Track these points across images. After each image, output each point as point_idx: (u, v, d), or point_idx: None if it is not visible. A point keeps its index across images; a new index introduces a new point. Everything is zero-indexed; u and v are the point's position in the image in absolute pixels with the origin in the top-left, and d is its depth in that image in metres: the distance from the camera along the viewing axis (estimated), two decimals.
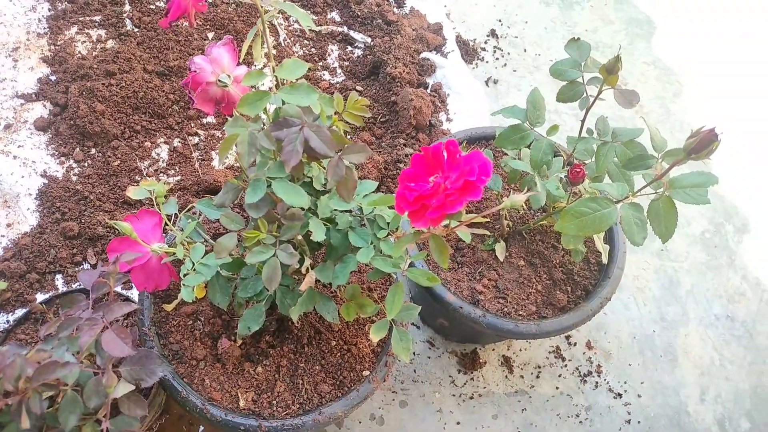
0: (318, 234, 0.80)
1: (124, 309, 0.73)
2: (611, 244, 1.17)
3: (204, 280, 0.81)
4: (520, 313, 1.10)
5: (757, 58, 2.10)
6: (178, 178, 1.48)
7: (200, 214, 0.93)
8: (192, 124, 1.58)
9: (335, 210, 0.84)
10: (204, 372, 0.93)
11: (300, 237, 0.83)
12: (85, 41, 1.68)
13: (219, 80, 0.85)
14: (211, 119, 1.61)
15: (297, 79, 0.78)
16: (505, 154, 1.10)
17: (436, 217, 0.65)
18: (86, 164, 1.45)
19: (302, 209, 0.81)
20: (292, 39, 1.81)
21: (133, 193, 0.90)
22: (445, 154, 0.68)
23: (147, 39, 1.68)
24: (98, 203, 1.39)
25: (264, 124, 0.79)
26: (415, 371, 1.36)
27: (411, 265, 0.85)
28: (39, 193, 1.40)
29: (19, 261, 1.30)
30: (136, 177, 1.46)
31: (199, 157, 1.53)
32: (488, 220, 1.15)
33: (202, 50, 1.67)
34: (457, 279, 1.13)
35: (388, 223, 0.83)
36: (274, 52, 1.75)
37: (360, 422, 1.28)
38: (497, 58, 1.94)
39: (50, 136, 1.49)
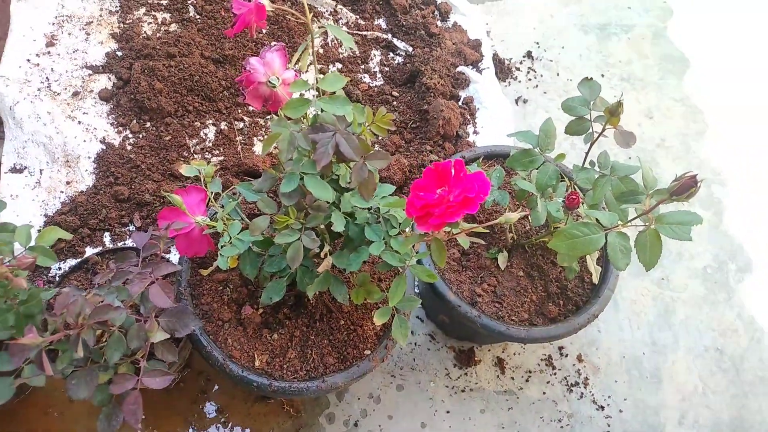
0: (338, 225, 0.92)
1: (169, 268, 0.87)
2: (605, 266, 1.27)
3: (237, 253, 0.94)
4: (513, 318, 1.21)
5: None
6: (221, 158, 1.62)
7: (239, 195, 1.07)
8: (239, 110, 1.72)
9: (355, 206, 0.97)
10: (227, 332, 1.07)
11: (323, 226, 0.96)
12: (150, 23, 1.83)
13: (269, 81, 0.97)
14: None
15: (335, 92, 0.90)
16: (518, 173, 1.20)
17: (437, 224, 0.76)
18: (141, 136, 1.60)
19: (327, 202, 0.93)
20: (339, 41, 1.94)
21: (184, 169, 1.03)
22: (453, 170, 0.80)
23: (207, 26, 1.82)
24: (148, 173, 1.54)
25: (303, 126, 0.92)
26: (414, 360, 1.48)
27: (418, 262, 0.97)
28: (97, 157, 1.55)
29: (74, 216, 1.45)
30: (184, 153, 1.61)
31: (242, 141, 1.67)
32: (488, 231, 1.26)
33: (256, 42, 1.81)
34: (460, 281, 1.24)
35: (400, 223, 0.95)
36: (321, 51, 1.89)
37: (359, 399, 1.41)
38: (530, 79, 2.04)
39: (112, 106, 1.65)
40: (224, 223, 0.96)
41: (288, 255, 0.88)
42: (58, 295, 0.85)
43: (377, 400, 1.42)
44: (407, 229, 0.95)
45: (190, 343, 1.15)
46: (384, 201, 0.95)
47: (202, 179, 1.04)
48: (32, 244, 0.91)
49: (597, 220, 0.98)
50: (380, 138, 1.70)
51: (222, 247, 0.94)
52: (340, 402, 1.40)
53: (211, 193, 1.03)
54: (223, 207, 1.02)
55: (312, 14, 1.45)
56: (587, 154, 1.08)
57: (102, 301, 0.88)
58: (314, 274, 0.99)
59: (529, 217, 1.08)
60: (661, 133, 2.01)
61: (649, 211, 0.96)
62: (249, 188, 0.99)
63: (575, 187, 1.09)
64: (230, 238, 0.94)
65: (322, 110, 0.88)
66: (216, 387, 1.36)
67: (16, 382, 0.90)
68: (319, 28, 0.90)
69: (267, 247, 1.00)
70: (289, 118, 0.91)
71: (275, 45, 1.01)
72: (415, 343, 1.50)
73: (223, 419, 1.33)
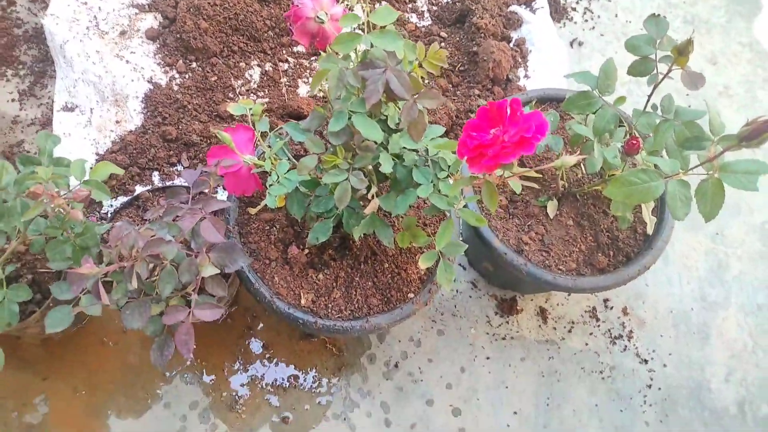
0: (386, 166, 0.90)
1: (219, 204, 0.87)
2: (660, 217, 1.22)
3: (285, 192, 0.94)
4: (560, 267, 1.19)
5: None
6: (266, 100, 1.61)
7: (287, 135, 1.06)
8: (284, 51, 1.70)
9: (403, 148, 0.94)
10: (274, 271, 1.08)
11: (370, 167, 0.94)
12: None
13: (317, 17, 0.94)
14: (300, 48, 1.71)
15: (386, 26, 0.87)
16: (572, 117, 1.15)
17: (490, 165, 0.74)
18: (187, 76, 1.60)
19: (375, 143, 0.91)
20: None
21: (232, 108, 1.03)
22: (508, 110, 0.76)
23: None
24: (194, 113, 1.55)
25: (352, 63, 0.89)
26: (455, 306, 1.48)
27: (464, 206, 0.95)
28: (145, 97, 1.56)
29: (124, 155, 1.48)
30: (229, 94, 1.60)
31: (287, 83, 1.65)
32: (541, 175, 1.22)
33: None
34: (506, 228, 1.22)
35: (449, 166, 0.93)
36: None
37: (399, 341, 1.42)
38: (586, 20, 1.94)
39: (158, 46, 1.65)
40: (272, 163, 0.95)
41: (336, 195, 0.87)
42: (112, 229, 0.87)
43: (417, 343, 1.43)
44: (456, 173, 0.93)
45: (238, 280, 1.18)
46: (433, 143, 0.93)
47: (249, 119, 1.03)
48: (86, 178, 0.93)
49: (656, 166, 0.94)
50: (426, 81, 1.66)
51: (270, 185, 0.94)
52: (381, 343, 1.42)
53: (259, 132, 1.02)
54: (270, 146, 1.01)
55: None
56: (650, 96, 1.02)
57: (154, 236, 0.89)
58: (360, 215, 0.98)
59: (584, 163, 1.03)
60: (725, 81, 1.89)
61: (714, 159, 0.90)
62: (296, 128, 0.98)
63: (635, 132, 1.03)
64: (278, 177, 0.94)
65: (372, 46, 0.85)
66: (261, 324, 1.40)
67: (74, 310, 0.94)
68: None
69: (314, 187, 1.00)
70: (338, 54, 0.88)
71: None
72: (457, 290, 1.50)
73: (268, 355, 1.37)
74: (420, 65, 0.88)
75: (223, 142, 0.96)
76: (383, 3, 1.81)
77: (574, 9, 1.95)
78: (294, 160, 1.02)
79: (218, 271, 0.91)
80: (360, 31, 0.87)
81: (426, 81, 1.53)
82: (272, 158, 0.97)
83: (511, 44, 1.75)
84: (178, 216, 0.90)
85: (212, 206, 0.86)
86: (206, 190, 0.92)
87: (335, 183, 0.88)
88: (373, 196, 0.95)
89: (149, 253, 0.84)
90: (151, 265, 0.86)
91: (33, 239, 1.06)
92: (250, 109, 1.03)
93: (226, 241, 0.88)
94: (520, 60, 1.73)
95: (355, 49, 0.89)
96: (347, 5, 0.93)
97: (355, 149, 0.91)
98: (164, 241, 0.84)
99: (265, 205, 0.96)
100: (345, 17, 0.87)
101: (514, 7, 1.79)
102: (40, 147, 0.98)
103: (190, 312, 0.87)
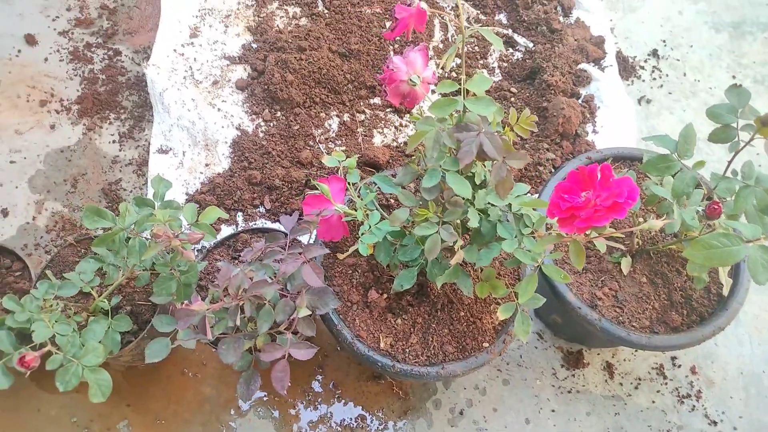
0: (473, 221, 0.96)
1: (319, 251, 0.94)
2: (735, 279, 1.23)
3: (375, 241, 1.00)
4: (634, 324, 1.20)
5: None
6: (343, 148, 1.70)
7: (375, 186, 1.13)
8: (361, 103, 1.80)
9: (489, 203, 1.00)
10: (355, 314, 1.14)
11: (458, 221, 1.00)
12: (282, 16, 1.94)
13: (410, 79, 1.02)
14: (377, 101, 1.81)
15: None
16: (648, 177, 1.18)
17: (583, 227, 0.78)
18: (272, 124, 1.72)
19: (463, 199, 0.97)
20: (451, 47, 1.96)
21: (326, 160, 1.11)
22: (598, 174, 0.81)
23: (334, 21, 1.91)
24: (278, 159, 1.65)
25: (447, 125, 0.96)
26: (521, 356, 1.50)
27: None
28: (233, 143, 1.68)
29: (212, 196, 1.59)
30: (309, 142, 1.70)
31: (363, 133, 1.75)
32: (623, 236, 1.25)
33: (379, 37, 1.87)
34: (580, 283, 1.24)
35: (533, 223, 0.98)
36: (441, 46, 1.92)
37: (465, 389, 1.45)
38: (654, 78, 1.97)
39: (246, 95, 1.77)
40: (364, 213, 1.02)
41: (426, 246, 0.93)
42: (221, 269, 0.95)
43: (483, 392, 1.45)
44: (540, 229, 0.97)
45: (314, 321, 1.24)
46: (519, 200, 0.98)
47: (340, 170, 1.11)
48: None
49: (737, 231, 0.96)
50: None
51: (362, 234, 1.00)
52: (447, 390, 1.45)
53: (350, 183, 1.10)
54: (360, 197, 1.09)
55: (434, 9, 1.49)
56: (729, 162, 1.05)
57: (258, 277, 0.97)
58: (444, 265, 1.03)
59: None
60: None
61: None
62: (387, 181, 1.05)
63: (715, 196, 1.06)
64: (369, 226, 1.00)
65: (465, 109, 0.92)
66: (330, 364, 1.45)
67: (174, 343, 1.02)
68: (468, 30, 0.94)
69: (400, 237, 1.06)
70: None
71: (418, 46, 1.06)
72: (523, 342, 1.52)
73: (337, 394, 1.42)
74: (511, 129, 0.94)
75: (316, 192, 1.04)
76: (456, 60, 1.90)
77: (642, 67, 1.99)
78: (379, 209, 1.09)
79: (310, 313, 0.98)
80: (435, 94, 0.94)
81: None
82: (364, 208, 1.03)
83: (580, 101, 1.80)
84: (278, 259, 0.97)
85: (313, 252, 0.93)
86: (302, 237, 1.00)
87: (426, 235, 0.93)
88: (460, 248, 1.00)
89: (254, 293, 0.91)
90: (254, 304, 0.93)
91: (139, 274, 1.16)
92: (342, 161, 1.11)
93: (321, 286, 0.95)
94: (588, 116, 1.78)
95: (451, 114, 0.96)
96: (441, 69, 1.01)
97: (444, 204, 0.97)
98: (267, 283, 0.91)
99: (353, 251, 1.03)
100: (443, 83, 0.94)
101: (583, 65, 1.85)
102: (155, 190, 1.08)
103: (287, 350, 0.93)
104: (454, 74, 1.86)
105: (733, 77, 1.99)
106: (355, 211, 1.04)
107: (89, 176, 1.65)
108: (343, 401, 1.42)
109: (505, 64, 1.92)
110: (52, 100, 1.76)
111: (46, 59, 1.83)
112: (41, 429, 1.34)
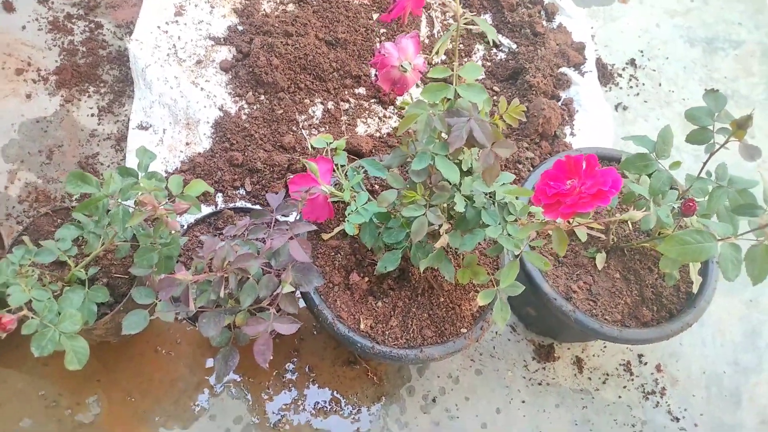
0: (460, 206, 0.98)
1: (305, 227, 0.94)
2: (704, 278, 1.27)
3: (362, 221, 1.01)
4: (606, 317, 1.24)
5: None
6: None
7: (362, 169, 1.14)
8: (346, 92, 1.80)
9: (474, 189, 1.02)
10: (336, 295, 1.15)
11: (444, 205, 1.02)
12: (270, 1, 1.93)
13: (401, 65, 1.03)
14: (361, 90, 1.82)
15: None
16: (625, 176, 1.22)
17: (567, 213, 0.81)
18: (255, 107, 1.71)
19: (450, 183, 0.99)
20: (445, 33, 1.98)
21: (315, 141, 1.12)
22: (584, 164, 0.84)
23: (322, 9, 1.91)
24: (260, 142, 1.64)
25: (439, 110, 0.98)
26: (494, 348, 1.52)
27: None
28: (215, 123, 1.66)
29: (191, 175, 1.57)
30: (293, 127, 1.70)
31: (347, 121, 1.75)
32: (603, 227, 1.29)
33: (367, 27, 1.88)
34: (556, 275, 1.28)
35: (517, 211, 1.00)
36: (427, 41, 1.94)
37: (438, 377, 1.47)
38: (631, 87, 2.03)
39: (230, 77, 1.76)
40: (351, 194, 1.03)
41: (413, 228, 0.94)
42: (205, 242, 0.95)
43: (456, 380, 1.47)
44: (523, 217, 0.99)
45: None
46: (504, 188, 1.00)
47: (327, 151, 1.11)
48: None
49: (709, 229, 1.00)
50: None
51: (349, 214, 1.01)
52: (420, 377, 1.46)
53: (338, 165, 1.10)
54: (347, 178, 1.09)
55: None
56: (704, 164, 1.10)
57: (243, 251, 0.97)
58: (428, 249, 1.05)
59: (639, 220, 1.10)
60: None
61: (766, 226, 0.96)
62: (376, 164, 1.06)
63: (689, 195, 1.10)
64: (357, 207, 1.01)
65: (456, 95, 0.94)
66: (307, 347, 1.45)
67: (153, 315, 1.01)
68: (463, 18, 0.95)
69: (386, 219, 1.07)
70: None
71: (410, 33, 1.08)
72: (496, 332, 1.55)
73: (312, 377, 1.42)
74: (501, 117, 0.96)
75: (303, 171, 1.05)
76: (440, 56, 1.92)
77: (620, 75, 2.05)
78: (366, 192, 1.10)
79: (294, 289, 0.98)
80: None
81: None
82: (351, 189, 1.04)
83: (560, 103, 1.85)
84: (264, 235, 0.97)
85: (300, 229, 0.93)
86: (289, 215, 1.00)
87: (413, 217, 0.95)
88: (445, 232, 1.02)
89: (239, 266, 0.91)
90: (239, 277, 0.93)
91: (118, 245, 1.14)
92: (330, 143, 1.11)
93: (304, 262, 0.95)
94: (567, 118, 1.82)
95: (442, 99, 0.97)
96: (434, 56, 1.02)
97: (432, 188, 0.98)
98: (253, 257, 0.91)
99: (339, 231, 1.04)
100: (435, 69, 0.96)
101: (564, 69, 1.89)
102: (139, 160, 1.07)
103: (270, 323, 0.93)
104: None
105: (705, 90, 2.06)
106: (342, 192, 1.04)
107: (65, 148, 1.61)
108: (318, 385, 1.42)
109: (489, 64, 1.95)
110: (28, 69, 1.72)
111: (23, 27, 1.79)
112: (6, 402, 1.31)
